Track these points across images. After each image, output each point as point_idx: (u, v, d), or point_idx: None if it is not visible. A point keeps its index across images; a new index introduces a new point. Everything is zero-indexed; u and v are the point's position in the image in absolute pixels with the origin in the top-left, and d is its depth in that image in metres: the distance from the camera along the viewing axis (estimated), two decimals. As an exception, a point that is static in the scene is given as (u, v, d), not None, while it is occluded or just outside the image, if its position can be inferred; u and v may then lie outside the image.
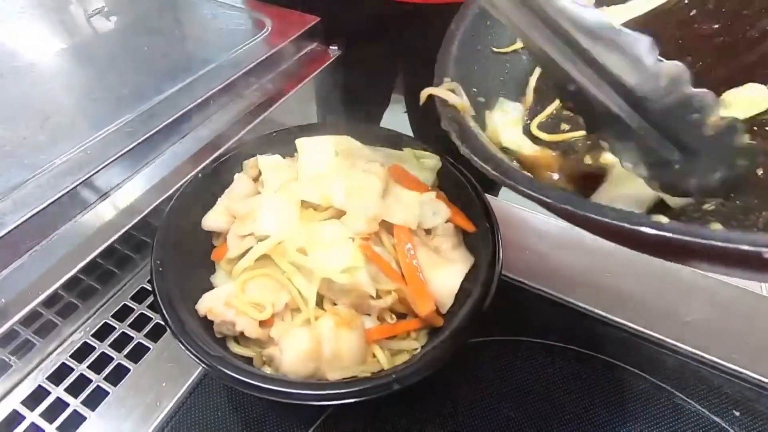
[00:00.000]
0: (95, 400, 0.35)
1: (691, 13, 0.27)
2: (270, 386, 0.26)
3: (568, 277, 0.44)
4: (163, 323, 0.30)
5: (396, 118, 0.89)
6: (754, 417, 0.35)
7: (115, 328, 0.39)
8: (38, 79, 0.53)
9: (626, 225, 0.16)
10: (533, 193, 0.18)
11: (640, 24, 0.28)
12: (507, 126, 0.29)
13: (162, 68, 0.55)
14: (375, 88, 0.82)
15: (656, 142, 0.21)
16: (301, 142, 0.39)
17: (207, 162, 0.41)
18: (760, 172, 0.22)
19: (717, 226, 0.18)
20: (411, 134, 0.86)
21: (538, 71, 0.31)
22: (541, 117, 0.30)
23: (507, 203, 0.50)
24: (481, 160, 0.21)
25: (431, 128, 0.30)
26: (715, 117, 0.20)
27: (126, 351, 0.38)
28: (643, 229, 0.15)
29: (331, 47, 0.64)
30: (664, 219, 0.16)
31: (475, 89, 0.29)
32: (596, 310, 0.41)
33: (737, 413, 0.36)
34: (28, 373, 0.37)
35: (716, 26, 0.26)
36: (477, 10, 0.30)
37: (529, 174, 0.22)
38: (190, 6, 0.68)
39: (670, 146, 0.21)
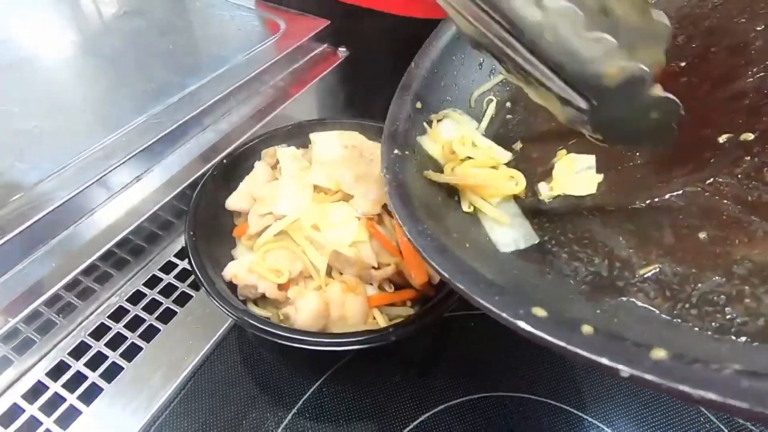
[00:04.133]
0: (133, 352, 0.40)
1: None
2: (289, 334, 0.31)
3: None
4: (198, 284, 0.35)
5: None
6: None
7: (146, 294, 0.45)
8: (76, 72, 0.58)
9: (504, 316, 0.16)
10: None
11: None
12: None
13: (185, 66, 0.60)
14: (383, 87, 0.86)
15: (560, 90, 0.20)
16: (314, 136, 0.44)
17: (230, 150, 0.47)
18: (702, 235, 0.20)
19: (588, 331, 0.15)
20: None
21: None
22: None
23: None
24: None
25: None
26: (614, 68, 0.19)
27: (156, 314, 0.43)
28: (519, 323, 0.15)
29: (339, 49, 0.70)
30: (541, 312, 0.16)
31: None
32: None
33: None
34: (73, 329, 0.42)
35: (683, 64, 0.25)
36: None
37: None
38: (209, 8, 0.73)
39: (574, 94, 0.20)
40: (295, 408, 0.38)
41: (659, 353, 0.13)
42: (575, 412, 0.38)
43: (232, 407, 0.38)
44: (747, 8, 0.25)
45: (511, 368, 0.41)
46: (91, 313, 0.43)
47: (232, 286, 0.38)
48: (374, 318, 0.37)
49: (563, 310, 0.17)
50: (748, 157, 0.20)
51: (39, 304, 0.39)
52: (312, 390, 0.39)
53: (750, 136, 0.21)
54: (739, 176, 0.20)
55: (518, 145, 0.32)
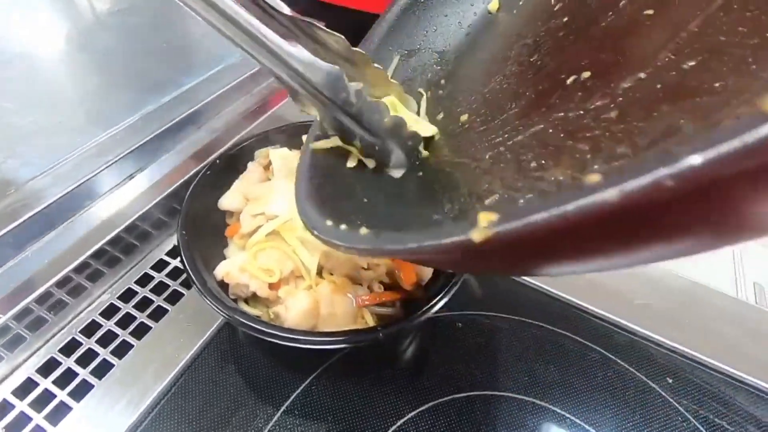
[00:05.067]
0: (124, 350, 0.41)
1: (555, 8, 0.29)
2: (278, 332, 0.32)
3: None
4: (189, 282, 0.35)
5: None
6: (684, 384, 0.42)
7: (137, 292, 0.45)
8: (72, 69, 0.58)
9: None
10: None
11: (517, 31, 0.32)
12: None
13: (180, 64, 0.61)
14: None
15: (350, 124, 0.26)
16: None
17: (223, 150, 0.47)
18: (533, 164, 0.21)
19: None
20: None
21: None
22: None
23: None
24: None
25: None
26: (388, 118, 0.27)
27: (147, 312, 0.44)
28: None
29: None
30: (364, 230, 0.19)
31: None
32: (558, 292, 0.48)
33: (670, 380, 0.42)
34: (63, 326, 0.42)
35: (566, 19, 0.28)
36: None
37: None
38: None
39: (364, 131, 0.27)
40: (284, 406, 0.38)
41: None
42: (560, 412, 0.39)
43: (222, 405, 0.38)
44: None
45: (497, 368, 0.42)
46: (83, 311, 0.43)
47: (224, 285, 0.39)
48: (363, 317, 0.38)
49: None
50: (580, 93, 0.22)
51: (30, 301, 0.39)
52: (301, 388, 0.39)
53: (587, 74, 0.23)
54: (571, 110, 0.22)
55: (440, 116, 0.33)
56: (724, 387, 0.42)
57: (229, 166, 0.46)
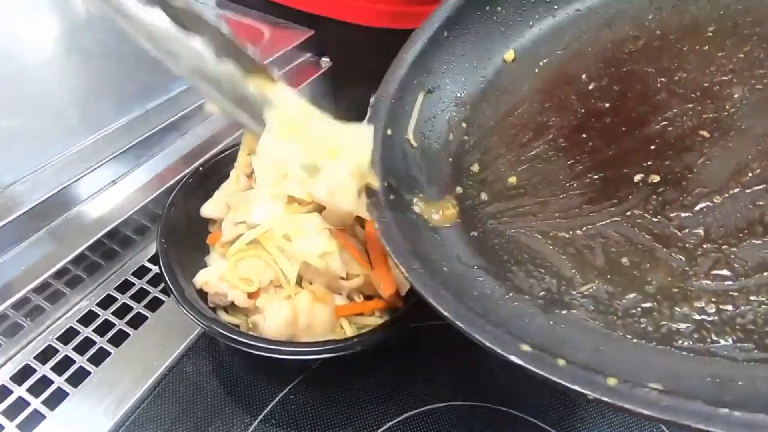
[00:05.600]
0: (101, 357, 0.40)
1: (590, 87, 0.32)
2: (255, 342, 0.32)
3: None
4: (168, 291, 0.35)
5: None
6: None
7: (117, 299, 0.45)
8: (58, 74, 0.58)
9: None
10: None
11: (543, 91, 0.34)
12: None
13: (167, 72, 0.61)
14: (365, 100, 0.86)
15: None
16: None
17: (206, 158, 0.47)
18: (624, 260, 0.25)
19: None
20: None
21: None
22: None
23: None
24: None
25: None
26: None
27: (127, 319, 0.43)
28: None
29: (322, 59, 0.70)
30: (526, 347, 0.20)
31: None
32: None
33: None
34: (40, 333, 0.42)
35: (607, 105, 0.30)
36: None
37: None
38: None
39: None
40: (261, 415, 0.38)
41: (611, 380, 0.18)
42: (540, 424, 0.39)
43: (199, 413, 0.38)
44: (655, 58, 0.30)
45: (476, 378, 0.42)
46: (60, 317, 0.43)
47: (203, 294, 0.38)
48: (342, 327, 0.38)
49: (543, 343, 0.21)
50: (654, 196, 0.25)
51: (6, 307, 0.39)
52: (279, 398, 0.39)
53: (656, 178, 0.26)
54: (649, 212, 0.25)
55: (475, 167, 0.33)
56: None
57: (212, 174, 0.46)
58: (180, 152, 0.53)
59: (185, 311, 0.34)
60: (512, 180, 0.31)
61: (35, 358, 0.40)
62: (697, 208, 0.24)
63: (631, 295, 0.23)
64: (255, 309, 0.37)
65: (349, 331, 0.38)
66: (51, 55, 0.61)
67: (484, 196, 0.31)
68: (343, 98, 0.73)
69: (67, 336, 0.42)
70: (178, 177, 0.51)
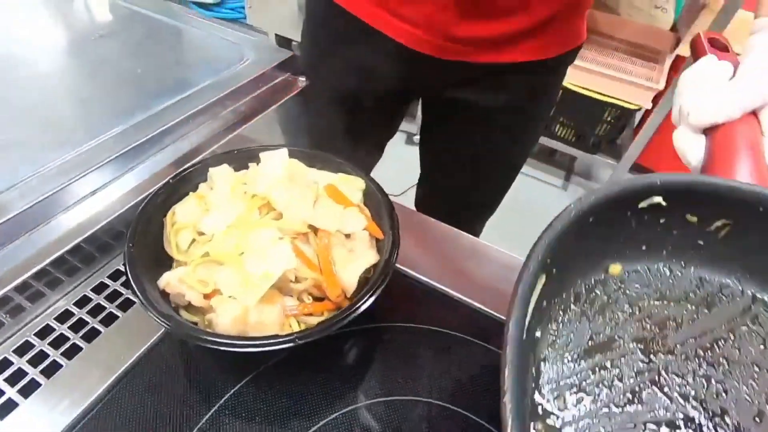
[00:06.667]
0: (73, 352, 0.44)
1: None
2: (210, 338, 0.36)
3: (456, 273, 0.54)
4: (131, 293, 0.39)
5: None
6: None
7: (92, 299, 0.49)
8: (46, 89, 0.63)
9: None
10: None
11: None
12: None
13: (151, 89, 0.65)
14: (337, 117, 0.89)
15: None
16: (264, 155, 0.50)
17: (178, 171, 0.51)
18: None
19: None
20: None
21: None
22: None
23: (425, 218, 0.62)
24: None
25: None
26: None
27: (100, 317, 0.47)
28: None
29: (299, 78, 0.75)
30: None
31: None
32: (469, 300, 0.52)
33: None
34: (19, 329, 0.46)
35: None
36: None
37: None
38: (180, 35, 0.79)
39: None
40: (217, 406, 0.42)
41: None
42: (474, 418, 0.42)
43: (160, 404, 0.42)
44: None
45: (418, 375, 0.45)
46: (39, 315, 0.47)
47: (166, 295, 0.42)
48: (290, 326, 0.41)
49: None
50: None
51: (-12, 304, 0.43)
52: (233, 391, 0.43)
53: None
54: None
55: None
56: None
57: (182, 185, 0.50)
58: (158, 166, 0.57)
59: (145, 308, 0.37)
60: None
61: (14, 351, 0.44)
62: None
63: None
64: (210, 308, 0.41)
65: (296, 328, 0.41)
66: (40, 74, 0.66)
67: None
68: (315, 116, 0.78)
69: (43, 332, 0.46)
70: (154, 189, 0.55)
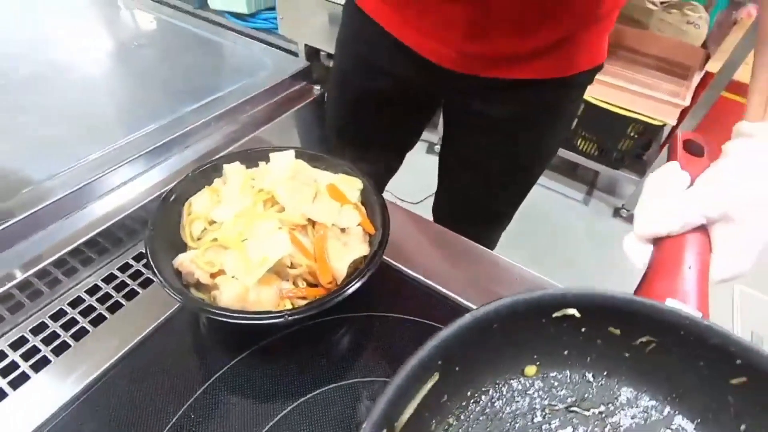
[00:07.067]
0: (98, 321, 0.50)
1: None
2: (214, 310, 0.41)
3: (435, 266, 0.58)
4: (150, 272, 0.45)
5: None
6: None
7: (117, 277, 0.55)
8: (87, 91, 0.71)
9: None
10: None
11: None
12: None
13: (179, 93, 0.73)
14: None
15: None
16: (273, 155, 0.55)
17: (197, 167, 0.57)
18: None
19: None
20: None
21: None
22: None
23: (421, 217, 0.66)
24: None
25: None
26: None
27: (123, 293, 0.53)
28: None
29: (315, 87, 0.81)
30: None
31: None
32: (451, 294, 0.55)
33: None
34: (55, 298, 0.53)
35: None
36: None
37: None
38: (212, 45, 0.86)
39: None
40: (214, 377, 0.47)
41: None
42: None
43: (164, 374, 0.47)
44: None
45: (391, 359, 0.49)
46: (71, 288, 0.54)
47: (179, 273, 0.48)
48: (285, 306, 0.46)
49: None
50: None
51: (30, 275, 0.50)
52: (230, 365, 0.48)
53: None
54: None
55: None
56: None
57: (201, 178, 0.56)
58: (181, 163, 0.64)
59: (161, 284, 0.43)
60: None
61: (50, 317, 0.51)
62: None
63: None
64: (215, 286, 0.46)
65: (290, 307, 0.46)
66: (80, 79, 0.75)
67: None
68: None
69: (75, 302, 0.52)
70: (175, 182, 0.61)
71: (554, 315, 0.34)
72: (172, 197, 0.52)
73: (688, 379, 0.34)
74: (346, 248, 0.50)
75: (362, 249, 0.50)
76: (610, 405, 0.36)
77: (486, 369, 0.36)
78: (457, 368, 0.33)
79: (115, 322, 0.51)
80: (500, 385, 0.36)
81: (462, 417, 0.34)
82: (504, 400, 0.35)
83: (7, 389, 0.45)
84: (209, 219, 0.50)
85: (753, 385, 0.31)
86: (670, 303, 0.35)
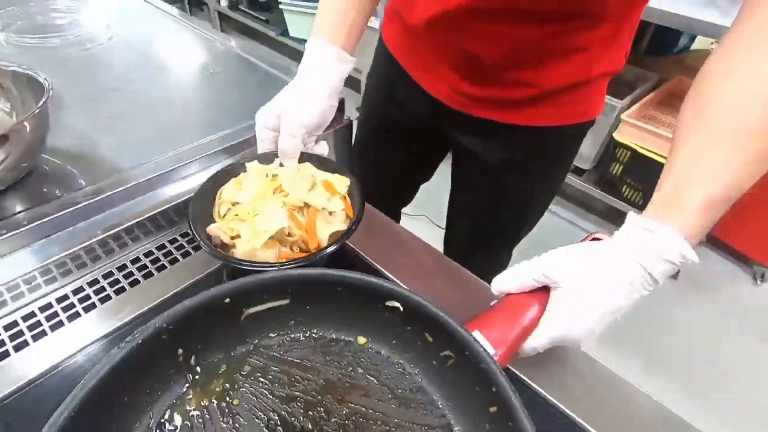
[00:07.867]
0: (148, 275, 0.68)
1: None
2: (233, 261, 0.57)
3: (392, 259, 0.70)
4: (192, 233, 0.62)
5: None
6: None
7: (166, 246, 0.73)
8: (168, 105, 0.93)
9: None
10: None
11: None
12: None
13: (237, 113, 0.92)
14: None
15: None
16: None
17: (227, 163, 0.75)
18: None
19: None
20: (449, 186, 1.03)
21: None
22: None
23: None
24: None
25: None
26: None
27: (169, 258, 0.71)
28: None
29: (345, 116, 0.97)
30: None
31: None
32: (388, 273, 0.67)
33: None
34: (122, 256, 0.71)
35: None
36: None
37: None
38: (271, 76, 1.06)
39: None
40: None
41: None
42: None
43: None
44: None
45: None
46: (134, 250, 0.72)
47: (210, 238, 0.65)
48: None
49: None
50: None
51: (107, 237, 0.69)
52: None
53: None
54: None
55: None
56: None
57: (230, 173, 0.73)
58: (225, 164, 0.82)
59: (197, 239, 0.60)
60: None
61: (117, 269, 0.69)
62: None
63: None
64: (234, 246, 0.62)
65: (284, 266, 0.61)
66: (169, 92, 0.96)
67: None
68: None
69: (135, 260, 0.70)
70: (210, 175, 0.79)
71: (386, 303, 0.45)
72: (210, 184, 0.70)
73: (467, 397, 0.40)
74: (330, 225, 0.65)
75: (342, 226, 0.64)
76: (391, 393, 0.44)
77: (329, 319, 0.49)
78: (308, 307, 0.49)
79: (159, 279, 0.68)
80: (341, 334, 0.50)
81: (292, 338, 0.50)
82: (340, 345, 0.50)
83: (81, 312, 0.62)
84: (233, 201, 0.67)
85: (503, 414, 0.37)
86: (476, 334, 0.41)
